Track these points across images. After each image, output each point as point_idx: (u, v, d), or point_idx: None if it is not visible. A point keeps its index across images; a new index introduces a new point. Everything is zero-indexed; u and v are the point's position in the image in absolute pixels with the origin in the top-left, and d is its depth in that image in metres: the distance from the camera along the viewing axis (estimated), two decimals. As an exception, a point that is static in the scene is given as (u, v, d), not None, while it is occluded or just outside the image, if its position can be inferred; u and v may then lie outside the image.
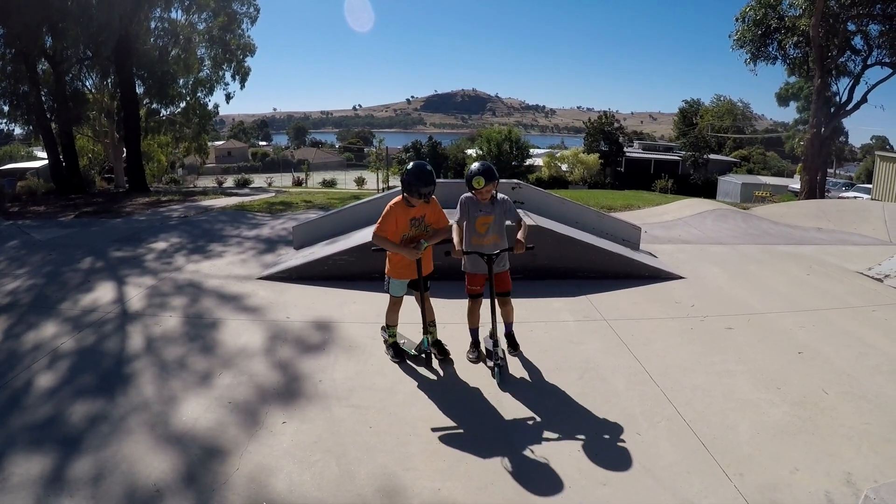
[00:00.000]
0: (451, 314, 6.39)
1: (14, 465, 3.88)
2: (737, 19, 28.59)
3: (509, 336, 5.61)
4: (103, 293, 7.57)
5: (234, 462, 3.87)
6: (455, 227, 5.25)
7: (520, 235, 5.08)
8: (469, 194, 5.25)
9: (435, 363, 5.40)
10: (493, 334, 5.22)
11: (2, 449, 4.06)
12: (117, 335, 6.14)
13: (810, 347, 5.79)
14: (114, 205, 17.54)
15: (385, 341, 5.69)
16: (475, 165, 5.17)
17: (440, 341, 5.60)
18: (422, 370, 5.28)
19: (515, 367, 5.35)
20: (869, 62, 27.15)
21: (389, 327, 5.52)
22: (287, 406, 4.64)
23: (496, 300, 5.24)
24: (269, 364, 5.42)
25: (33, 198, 21.24)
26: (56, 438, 4.19)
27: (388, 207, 5.15)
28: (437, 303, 6.56)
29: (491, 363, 5.29)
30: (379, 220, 5.14)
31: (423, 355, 5.45)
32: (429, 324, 5.44)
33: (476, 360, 5.48)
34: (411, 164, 5.18)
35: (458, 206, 5.31)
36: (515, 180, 10.04)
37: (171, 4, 27.03)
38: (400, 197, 5.16)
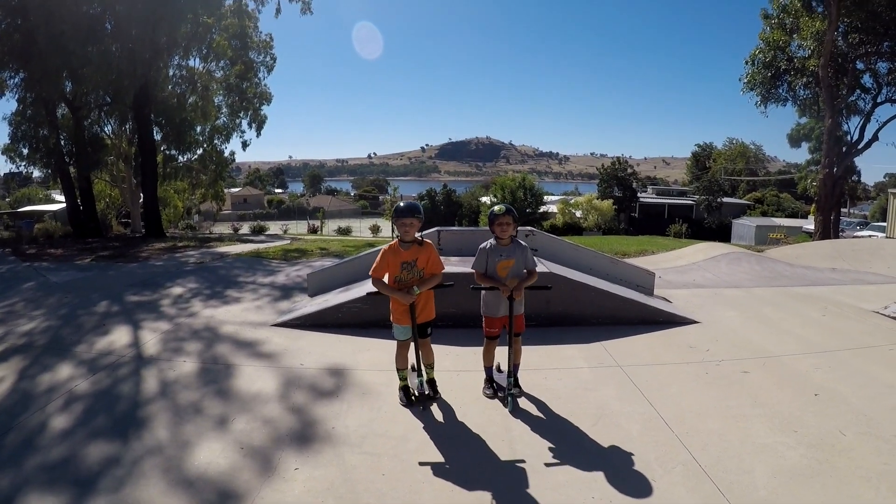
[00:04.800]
0: (464, 362, 6.44)
1: (27, 505, 3.88)
2: (746, 62, 28.92)
3: (515, 378, 5.63)
4: (119, 336, 7.63)
5: (246, 507, 3.86)
6: (475, 273, 5.49)
7: (527, 281, 5.39)
8: (488, 243, 5.49)
9: (441, 414, 5.36)
10: (508, 369, 5.41)
11: (16, 488, 4.07)
12: (132, 379, 6.17)
13: (827, 389, 5.72)
14: (130, 249, 17.74)
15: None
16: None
17: (434, 380, 5.71)
18: (435, 417, 5.26)
19: (530, 414, 5.31)
20: (879, 100, 27.44)
21: (399, 371, 5.61)
22: (300, 452, 4.62)
23: (511, 339, 5.40)
24: (283, 410, 5.41)
25: (50, 240, 21.57)
26: (69, 480, 4.19)
27: (381, 250, 5.36)
28: (452, 350, 6.60)
29: (504, 394, 5.48)
30: (374, 263, 5.32)
31: (416, 397, 5.55)
32: (425, 365, 5.58)
33: (492, 396, 5.63)
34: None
35: (477, 253, 5.51)
36: (529, 227, 10.09)
37: (189, 52, 27.60)
38: (396, 241, 5.34)
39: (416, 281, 5.27)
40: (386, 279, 5.36)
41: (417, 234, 5.33)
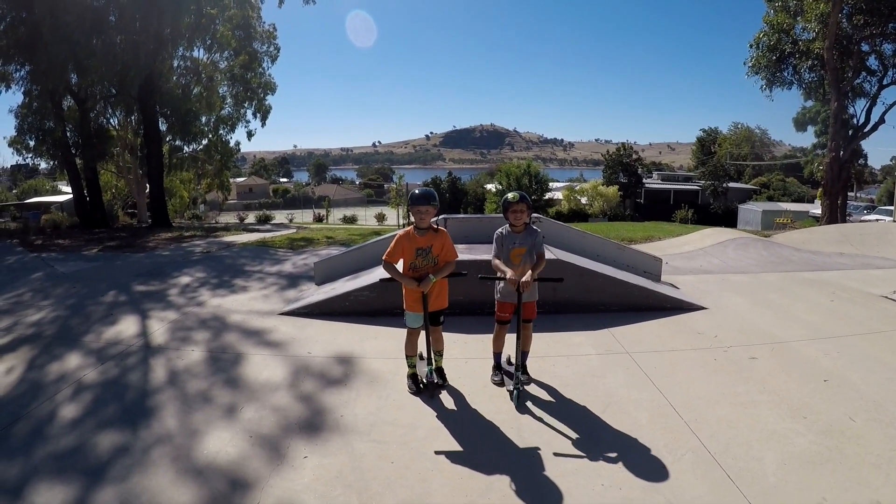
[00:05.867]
0: (473, 350, 6.43)
1: (36, 493, 3.91)
2: (751, 46, 28.75)
3: (523, 365, 5.64)
4: (127, 326, 7.65)
5: (255, 496, 3.87)
6: (494, 261, 5.44)
7: (536, 270, 5.33)
8: (503, 229, 5.51)
9: (450, 401, 5.36)
10: (515, 358, 5.46)
11: (25, 477, 4.09)
12: (140, 368, 6.19)
13: (836, 374, 5.71)
14: (137, 239, 17.76)
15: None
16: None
17: (442, 368, 5.73)
18: (443, 405, 5.26)
19: (538, 402, 5.31)
20: (885, 82, 27.25)
21: (408, 357, 5.63)
22: (309, 440, 4.63)
23: (520, 325, 5.40)
24: (291, 398, 5.42)
25: (57, 231, 21.67)
26: (78, 469, 4.21)
27: (396, 235, 5.39)
28: (460, 338, 6.59)
29: (510, 386, 5.45)
30: (388, 248, 5.34)
31: (423, 385, 5.55)
32: (435, 352, 5.58)
33: (500, 383, 5.64)
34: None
35: (494, 240, 5.53)
36: (535, 214, 10.05)
37: (193, 43, 27.62)
38: (411, 227, 5.36)
39: (430, 268, 5.29)
40: (400, 266, 5.39)
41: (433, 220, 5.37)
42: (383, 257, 5.35)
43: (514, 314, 5.42)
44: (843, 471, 4.02)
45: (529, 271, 5.25)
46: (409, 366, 5.65)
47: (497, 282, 5.53)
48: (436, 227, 5.38)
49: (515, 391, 5.31)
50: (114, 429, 4.83)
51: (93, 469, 4.21)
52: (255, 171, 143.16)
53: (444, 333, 5.68)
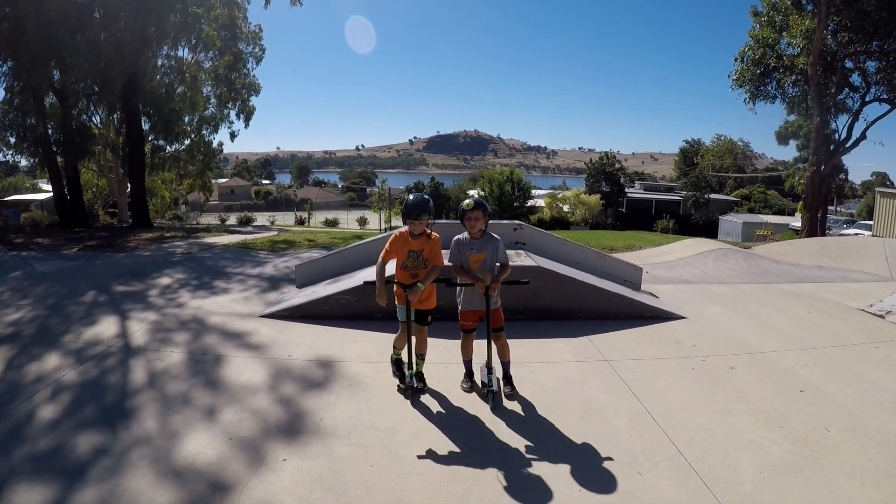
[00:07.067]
0: (452, 355, 6.41)
1: (15, 494, 3.87)
2: (736, 59, 28.99)
3: (506, 376, 5.67)
4: (106, 327, 7.60)
5: (234, 498, 3.86)
6: (453, 266, 5.53)
7: (501, 276, 5.38)
8: (461, 236, 5.57)
9: (430, 406, 5.38)
10: (488, 364, 5.45)
11: (4, 478, 4.06)
12: (120, 369, 6.14)
13: (812, 385, 5.78)
14: (117, 239, 17.65)
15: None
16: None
17: (422, 373, 5.78)
18: (424, 409, 5.27)
19: (516, 408, 5.33)
20: (867, 98, 27.52)
21: (395, 348, 5.75)
22: (288, 443, 4.63)
23: (490, 335, 5.43)
24: (271, 401, 5.41)
25: (37, 230, 21.47)
26: (57, 470, 4.17)
27: (392, 235, 5.52)
28: (440, 343, 6.60)
29: (485, 391, 5.46)
30: (384, 247, 5.48)
31: (407, 389, 5.56)
32: (417, 355, 5.63)
33: (469, 390, 5.66)
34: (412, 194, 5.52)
35: (452, 245, 5.58)
36: (517, 221, 10.09)
37: (178, 42, 27.44)
38: (406, 229, 5.47)
39: (419, 269, 5.38)
40: (392, 265, 5.49)
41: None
42: (380, 256, 5.42)
43: (482, 321, 5.47)
44: (818, 480, 4.07)
45: (496, 277, 5.33)
46: (394, 354, 5.77)
47: (458, 291, 5.58)
48: (429, 232, 5.47)
49: (489, 392, 5.36)
50: (93, 430, 4.79)
51: (72, 470, 4.17)
52: (238, 172, 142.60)
53: None
